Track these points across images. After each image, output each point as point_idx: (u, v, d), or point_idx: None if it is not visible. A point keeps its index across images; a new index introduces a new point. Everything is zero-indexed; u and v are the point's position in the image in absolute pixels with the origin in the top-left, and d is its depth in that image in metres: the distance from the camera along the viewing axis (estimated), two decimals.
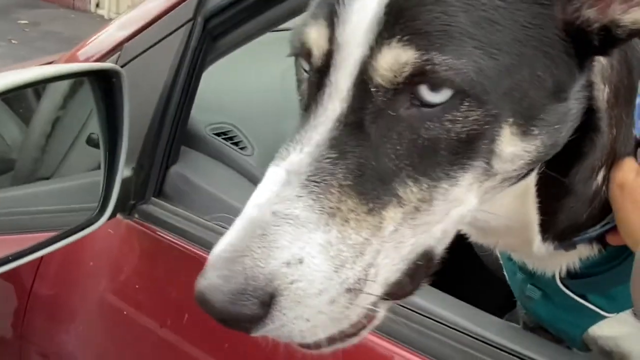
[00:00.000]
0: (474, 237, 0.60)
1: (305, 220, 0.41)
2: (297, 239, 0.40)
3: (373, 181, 0.41)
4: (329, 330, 0.42)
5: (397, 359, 0.62)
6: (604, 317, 0.59)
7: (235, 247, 0.42)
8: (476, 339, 0.59)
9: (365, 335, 0.47)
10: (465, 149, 0.42)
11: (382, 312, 0.47)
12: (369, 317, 0.46)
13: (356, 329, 0.46)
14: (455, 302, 0.65)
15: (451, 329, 0.60)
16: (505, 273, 0.71)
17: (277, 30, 1.68)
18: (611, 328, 0.60)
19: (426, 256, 0.46)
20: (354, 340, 0.47)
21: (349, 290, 0.41)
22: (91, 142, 0.97)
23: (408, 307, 0.64)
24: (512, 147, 0.43)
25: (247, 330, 0.42)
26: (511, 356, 0.57)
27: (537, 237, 0.55)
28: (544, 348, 0.58)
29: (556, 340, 0.68)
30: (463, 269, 1.35)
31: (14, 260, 0.67)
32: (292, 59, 1.44)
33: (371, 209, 0.41)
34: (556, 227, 0.54)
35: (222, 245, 0.43)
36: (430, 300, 0.64)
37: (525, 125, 0.43)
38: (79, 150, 1.02)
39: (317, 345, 0.45)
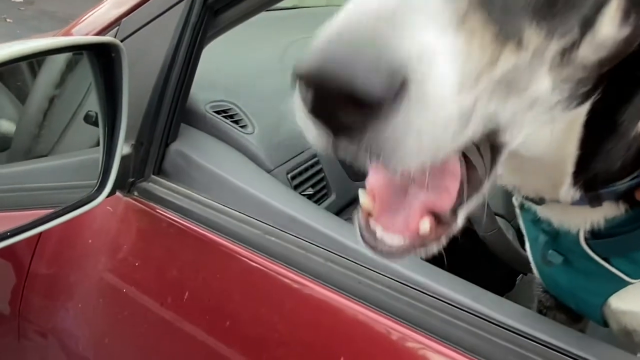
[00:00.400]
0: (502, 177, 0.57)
1: (437, 15, 0.34)
2: (430, 33, 0.34)
3: (501, 7, 0.36)
4: (424, 159, 0.36)
5: (394, 334, 0.61)
6: (627, 284, 0.58)
7: (360, 23, 0.33)
8: (485, 320, 0.59)
9: (444, 242, 0.45)
10: (577, 10, 0.38)
11: (460, 219, 0.44)
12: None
13: (435, 235, 0.43)
14: (461, 282, 0.65)
15: (461, 310, 0.60)
16: (526, 241, 0.70)
17: (276, 10, 1.66)
18: (634, 297, 0.59)
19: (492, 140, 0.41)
20: (433, 249, 0.44)
21: (460, 116, 0.36)
22: (89, 120, 0.96)
23: (410, 285, 0.63)
24: (607, 29, 0.40)
25: (359, 123, 0.34)
26: (520, 337, 0.56)
27: (567, 180, 0.52)
28: (555, 329, 0.58)
29: (573, 320, 0.67)
30: (462, 250, 1.35)
31: (12, 236, 0.66)
32: (292, 37, 1.42)
33: (496, 34, 0.36)
34: (589, 171, 0.52)
35: (342, 22, 0.34)
36: (436, 280, 0.64)
37: (628, 6, 0.40)
38: (77, 128, 1.01)
39: (398, 251, 0.42)
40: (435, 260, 0.69)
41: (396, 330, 0.61)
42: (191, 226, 0.78)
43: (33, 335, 0.98)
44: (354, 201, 1.17)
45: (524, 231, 0.70)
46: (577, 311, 0.68)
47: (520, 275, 1.54)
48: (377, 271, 0.65)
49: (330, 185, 1.08)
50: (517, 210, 0.68)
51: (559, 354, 0.55)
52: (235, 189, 0.82)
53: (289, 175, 0.98)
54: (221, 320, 0.73)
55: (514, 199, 0.66)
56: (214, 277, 0.76)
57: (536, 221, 0.63)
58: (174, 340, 0.77)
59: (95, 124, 0.90)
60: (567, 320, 0.76)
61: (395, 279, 0.64)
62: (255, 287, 0.72)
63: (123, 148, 0.79)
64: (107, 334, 0.86)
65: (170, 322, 0.77)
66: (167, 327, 0.78)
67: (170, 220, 0.80)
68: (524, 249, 1.08)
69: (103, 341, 0.87)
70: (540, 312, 0.77)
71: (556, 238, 0.61)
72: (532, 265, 0.70)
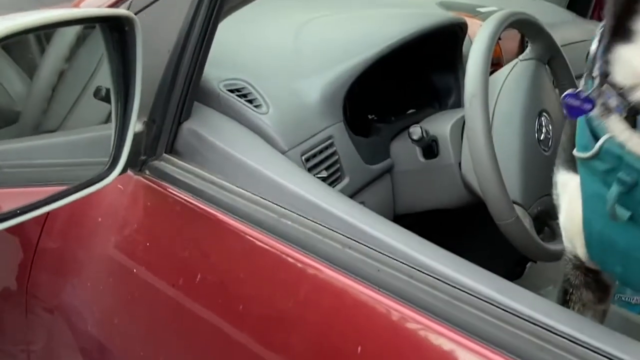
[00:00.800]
0: None
1: None
2: None
3: None
4: None
5: (414, 324, 0.60)
6: None
7: None
8: (511, 313, 0.57)
9: None
10: None
11: None
12: None
13: None
14: (485, 272, 0.63)
15: (486, 303, 0.58)
16: (562, 206, 0.67)
17: None
18: None
19: None
20: None
21: None
22: (98, 95, 0.93)
23: (432, 274, 0.62)
24: None
25: None
26: (550, 333, 0.55)
27: None
28: (584, 324, 0.56)
29: (599, 299, 0.65)
30: (472, 236, 1.33)
31: (22, 214, 0.65)
32: (307, 16, 1.39)
33: None
34: None
35: None
36: (458, 269, 0.62)
37: None
38: (86, 103, 0.98)
39: None
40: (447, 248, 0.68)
41: (417, 320, 0.59)
42: (204, 207, 0.76)
43: (40, 312, 0.97)
44: (368, 185, 1.15)
45: (563, 195, 0.67)
46: (620, 277, 0.66)
47: (530, 262, 1.52)
48: (398, 259, 0.63)
49: (344, 169, 1.06)
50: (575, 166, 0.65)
51: (586, 349, 0.53)
52: (250, 170, 0.80)
53: (303, 157, 0.96)
54: (234, 303, 0.71)
55: (574, 152, 0.63)
56: (227, 260, 0.75)
57: (611, 171, 0.60)
58: (185, 323, 0.76)
59: (105, 99, 0.88)
60: (592, 299, 0.75)
61: (417, 267, 0.62)
62: (270, 272, 0.70)
63: (136, 125, 0.77)
64: (117, 314, 0.85)
65: (181, 304, 0.76)
66: (178, 309, 0.76)
67: (183, 201, 0.78)
68: (541, 238, 1.06)
69: (112, 321, 0.86)
70: (565, 291, 0.77)
71: (632, 189, 0.57)
72: (573, 228, 0.67)
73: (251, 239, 0.72)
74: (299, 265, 0.68)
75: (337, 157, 1.05)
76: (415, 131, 1.12)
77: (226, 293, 0.73)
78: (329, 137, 1.05)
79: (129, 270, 0.82)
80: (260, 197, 0.74)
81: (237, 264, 0.73)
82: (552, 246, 1.06)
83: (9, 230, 1.00)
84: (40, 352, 0.98)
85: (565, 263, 0.74)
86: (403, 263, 0.63)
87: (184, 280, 0.76)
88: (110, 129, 0.78)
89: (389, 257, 0.64)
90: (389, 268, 0.63)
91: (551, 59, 1.24)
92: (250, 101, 0.96)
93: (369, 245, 0.65)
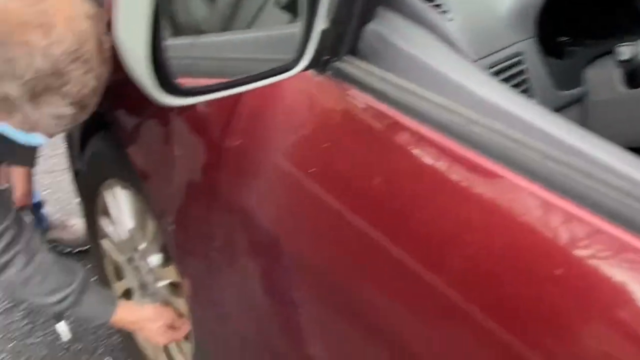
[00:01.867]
0: None
1: None
2: None
3: None
4: None
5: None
6: None
7: None
8: None
9: None
10: None
11: None
12: None
13: None
14: None
15: None
16: None
17: None
18: None
19: None
20: None
21: None
22: (280, 3, 0.92)
23: None
24: None
25: None
26: None
27: None
28: None
29: None
30: None
31: (210, 92, 0.66)
32: None
33: None
34: None
35: None
36: None
37: None
38: (269, 11, 0.98)
39: None
40: None
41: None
42: (387, 112, 0.72)
43: (219, 211, 1.01)
44: (557, 112, 1.03)
45: None
46: None
47: None
48: (617, 177, 0.54)
49: (533, 90, 0.95)
50: None
51: None
52: (438, 75, 0.74)
53: (491, 71, 0.87)
54: (410, 223, 0.67)
55: None
56: (409, 169, 0.70)
57: None
58: (351, 238, 0.74)
59: (287, 8, 0.86)
60: None
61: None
62: (448, 183, 0.64)
63: (323, 22, 0.74)
64: (284, 221, 0.86)
65: (349, 217, 0.74)
66: (344, 221, 0.74)
67: (366, 104, 0.75)
68: None
69: (282, 225, 0.87)
70: None
71: None
72: None
73: (437, 144, 0.66)
74: (490, 177, 0.61)
75: (526, 76, 0.95)
76: (624, 50, 0.97)
77: (399, 208, 0.69)
78: (519, 53, 0.94)
79: (304, 172, 0.82)
80: (450, 101, 0.68)
81: (419, 173, 0.69)
82: None
83: (195, 131, 1.05)
84: (219, 248, 1.04)
85: None
86: (624, 180, 0.53)
87: (357, 186, 0.73)
88: (297, 28, 0.77)
89: (603, 171, 0.55)
90: (603, 185, 0.54)
91: None
92: (436, 6, 0.88)
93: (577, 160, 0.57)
